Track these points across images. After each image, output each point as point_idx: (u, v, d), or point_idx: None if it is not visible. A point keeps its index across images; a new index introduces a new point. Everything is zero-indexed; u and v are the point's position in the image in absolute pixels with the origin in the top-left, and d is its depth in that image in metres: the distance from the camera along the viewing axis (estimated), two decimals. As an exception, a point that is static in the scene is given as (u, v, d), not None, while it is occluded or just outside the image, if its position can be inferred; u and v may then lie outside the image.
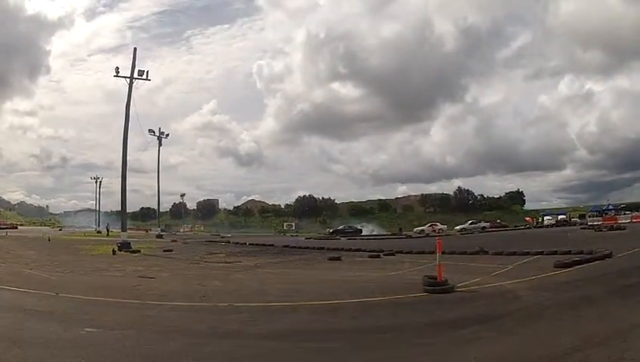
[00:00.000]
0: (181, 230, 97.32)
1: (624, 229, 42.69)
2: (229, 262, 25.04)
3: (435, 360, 7.23)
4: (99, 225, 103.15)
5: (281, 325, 9.78)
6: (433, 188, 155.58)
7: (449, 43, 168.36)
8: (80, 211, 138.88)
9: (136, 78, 39.16)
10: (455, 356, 7.32)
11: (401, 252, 27.91)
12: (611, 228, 44.85)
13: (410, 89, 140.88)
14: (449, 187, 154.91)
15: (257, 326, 9.60)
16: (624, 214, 71.15)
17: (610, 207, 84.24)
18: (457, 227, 71.24)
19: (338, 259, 25.34)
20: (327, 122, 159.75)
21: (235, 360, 7.38)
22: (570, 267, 16.99)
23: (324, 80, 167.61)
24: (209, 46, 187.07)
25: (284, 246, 38.65)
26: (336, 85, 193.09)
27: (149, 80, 40.52)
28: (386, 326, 9.59)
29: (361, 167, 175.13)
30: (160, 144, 73.63)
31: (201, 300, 12.85)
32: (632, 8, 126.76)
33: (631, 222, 60.32)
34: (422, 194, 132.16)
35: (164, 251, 33.32)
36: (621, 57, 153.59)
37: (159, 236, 64.52)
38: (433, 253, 14.82)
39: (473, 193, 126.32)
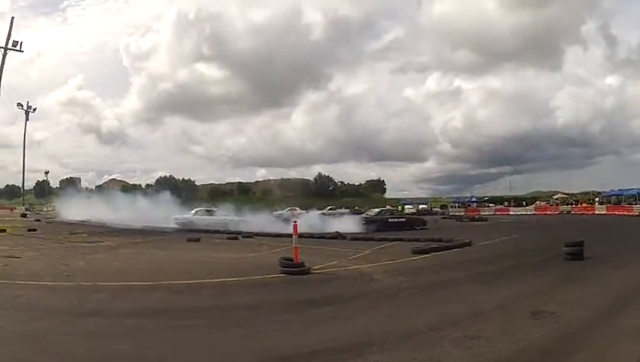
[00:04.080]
0: (44, 209, 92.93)
1: (486, 221, 46.19)
2: (92, 242, 25.09)
3: (292, 336, 7.82)
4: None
5: (143, 304, 10.30)
6: (293, 173, 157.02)
7: (317, 32, 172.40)
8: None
9: (9, 49, 38.04)
10: (311, 333, 7.99)
11: (259, 235, 29.37)
12: (473, 219, 48.49)
13: (274, 74, 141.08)
14: (309, 173, 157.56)
15: (120, 305, 10.08)
16: (488, 207, 76.71)
17: (473, 199, 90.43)
18: (317, 212, 72.89)
19: (197, 240, 26.31)
20: (190, 103, 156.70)
21: (99, 337, 7.65)
22: (427, 253, 18.47)
23: (189, 60, 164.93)
24: (83, 18, 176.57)
25: (145, 227, 38.74)
26: (200, 66, 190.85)
27: (22, 51, 40.11)
28: (245, 304, 10.27)
29: (221, 150, 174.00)
30: (27, 118, 72.61)
31: (67, 279, 13.09)
32: (506, 12, 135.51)
33: (494, 214, 65.10)
34: (281, 179, 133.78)
35: (29, 231, 33.12)
36: (492, 59, 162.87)
37: (23, 215, 61.90)
38: (291, 236, 15.64)
39: (333, 179, 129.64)
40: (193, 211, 43.40)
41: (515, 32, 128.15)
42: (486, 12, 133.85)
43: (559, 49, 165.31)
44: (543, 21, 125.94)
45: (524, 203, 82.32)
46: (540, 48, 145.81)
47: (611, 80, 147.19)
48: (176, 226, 39.05)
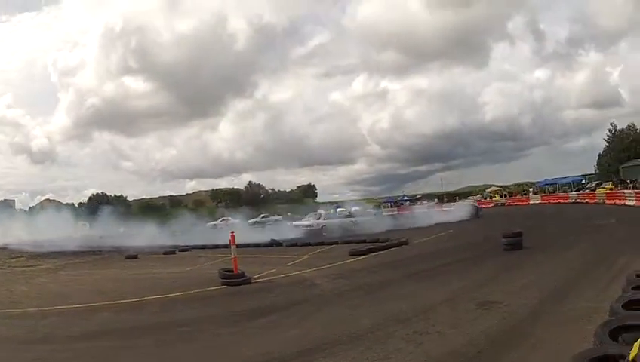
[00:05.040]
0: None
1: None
2: (31, 266, 24.73)
3: (235, 349, 7.76)
4: None
5: (89, 327, 10.05)
6: (223, 183, 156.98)
7: (242, 40, 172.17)
8: None
9: None
10: (256, 343, 7.89)
11: (195, 247, 29.54)
12: (407, 218, 49.04)
13: (199, 85, 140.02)
14: (239, 182, 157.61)
15: (68, 329, 9.82)
16: (421, 204, 77.71)
17: (406, 198, 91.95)
18: (250, 221, 72.72)
19: (135, 257, 26.21)
20: (117, 117, 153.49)
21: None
22: (365, 254, 18.69)
23: (115, 74, 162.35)
24: (14, 34, 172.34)
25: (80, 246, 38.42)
26: (127, 79, 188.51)
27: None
28: (188, 319, 10.17)
29: (150, 163, 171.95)
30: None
31: (12, 306, 12.84)
32: (430, 12, 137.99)
33: (429, 211, 66.05)
34: (212, 189, 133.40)
35: (-34, 258, 32.20)
36: (418, 58, 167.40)
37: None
38: (228, 246, 15.70)
39: (264, 187, 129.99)
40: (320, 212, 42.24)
41: (439, 31, 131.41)
42: (410, 13, 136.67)
43: (485, 46, 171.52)
44: (467, 20, 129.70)
45: (456, 198, 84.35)
46: (466, 46, 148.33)
47: (540, 73, 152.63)
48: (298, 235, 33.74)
